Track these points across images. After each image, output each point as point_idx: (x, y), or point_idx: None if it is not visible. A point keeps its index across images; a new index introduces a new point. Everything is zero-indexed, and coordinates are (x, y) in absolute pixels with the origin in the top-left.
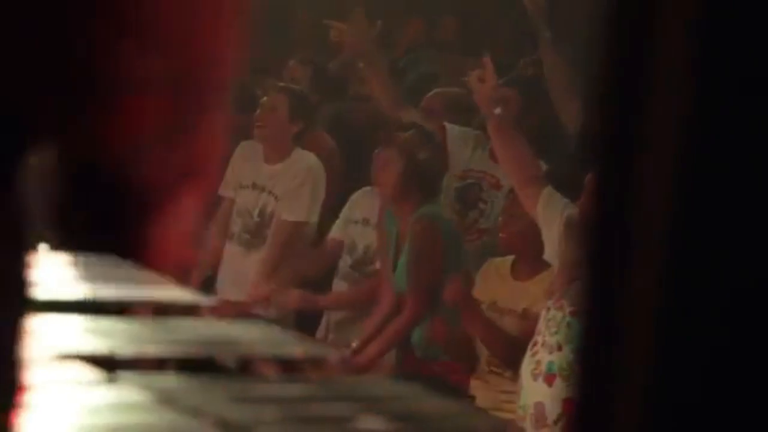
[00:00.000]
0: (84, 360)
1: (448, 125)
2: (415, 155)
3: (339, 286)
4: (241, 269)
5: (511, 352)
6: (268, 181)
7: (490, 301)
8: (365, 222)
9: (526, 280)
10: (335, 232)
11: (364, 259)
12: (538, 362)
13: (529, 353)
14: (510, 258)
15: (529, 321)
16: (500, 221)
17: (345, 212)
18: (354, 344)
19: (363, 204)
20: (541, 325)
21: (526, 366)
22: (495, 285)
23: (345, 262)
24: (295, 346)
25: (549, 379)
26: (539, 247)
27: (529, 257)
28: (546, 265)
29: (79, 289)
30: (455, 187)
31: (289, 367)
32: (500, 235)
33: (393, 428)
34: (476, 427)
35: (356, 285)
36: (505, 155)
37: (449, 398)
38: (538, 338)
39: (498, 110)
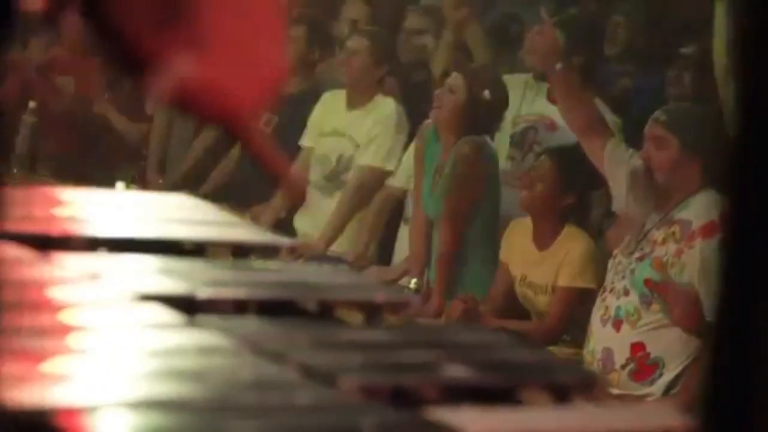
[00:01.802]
0: (163, 302)
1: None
2: (480, 91)
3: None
4: (317, 213)
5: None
6: (349, 127)
7: (521, 276)
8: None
9: (547, 247)
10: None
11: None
12: (607, 307)
13: (599, 299)
14: (529, 220)
15: (557, 298)
16: (525, 179)
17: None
18: (413, 284)
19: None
20: (609, 272)
21: (596, 311)
22: (520, 254)
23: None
24: (376, 291)
25: (617, 324)
26: (557, 212)
27: (546, 220)
28: (562, 228)
29: (156, 229)
30: (510, 134)
31: (370, 311)
32: (522, 192)
33: (478, 376)
34: (564, 377)
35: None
36: (569, 107)
37: (535, 348)
38: (607, 284)
39: (559, 65)
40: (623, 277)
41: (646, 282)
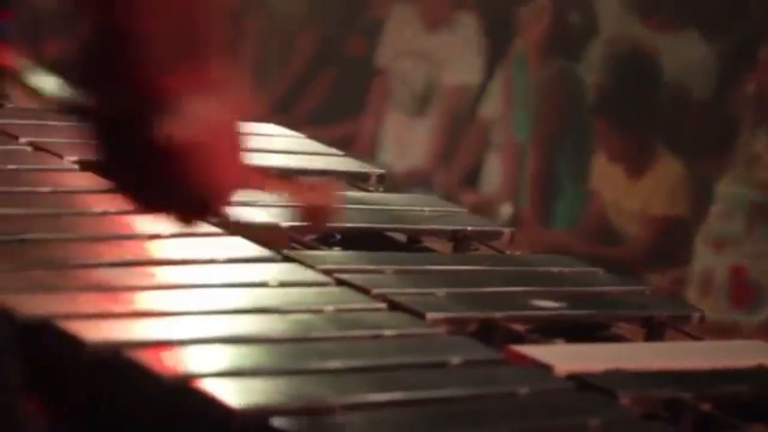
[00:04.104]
0: (251, 235)
1: None
2: (563, 14)
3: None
4: (407, 137)
5: None
6: (431, 46)
7: (613, 202)
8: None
9: (638, 174)
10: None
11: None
12: (711, 229)
13: (705, 222)
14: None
15: (648, 226)
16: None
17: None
18: (506, 211)
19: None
20: (719, 195)
21: (701, 233)
22: (611, 181)
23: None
24: (465, 220)
25: (718, 246)
26: (641, 140)
27: (632, 149)
28: (651, 155)
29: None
30: (603, 53)
31: (459, 241)
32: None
33: (569, 310)
34: (658, 312)
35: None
36: None
37: (629, 281)
38: (714, 207)
39: None
40: (730, 200)
41: (751, 204)
